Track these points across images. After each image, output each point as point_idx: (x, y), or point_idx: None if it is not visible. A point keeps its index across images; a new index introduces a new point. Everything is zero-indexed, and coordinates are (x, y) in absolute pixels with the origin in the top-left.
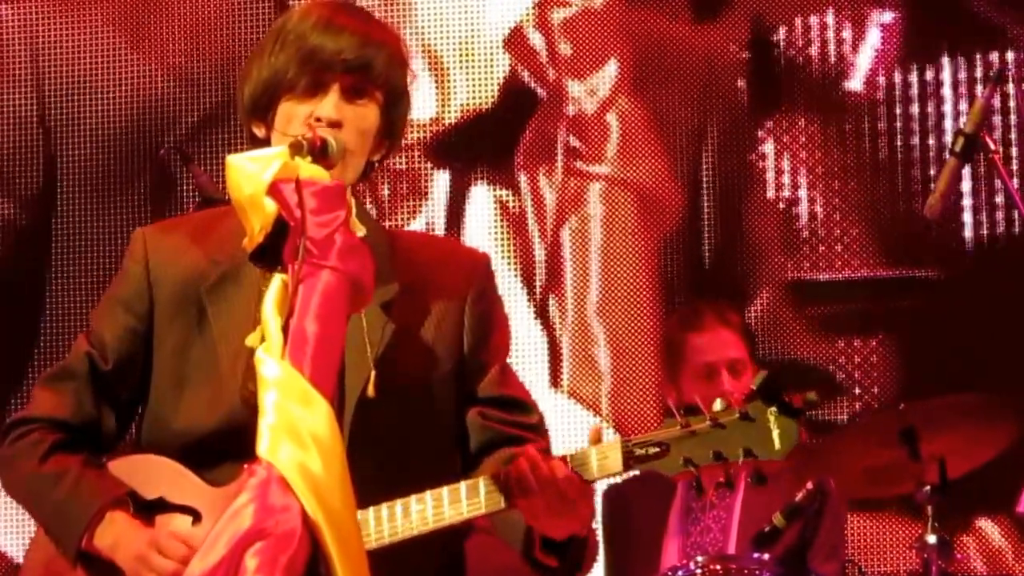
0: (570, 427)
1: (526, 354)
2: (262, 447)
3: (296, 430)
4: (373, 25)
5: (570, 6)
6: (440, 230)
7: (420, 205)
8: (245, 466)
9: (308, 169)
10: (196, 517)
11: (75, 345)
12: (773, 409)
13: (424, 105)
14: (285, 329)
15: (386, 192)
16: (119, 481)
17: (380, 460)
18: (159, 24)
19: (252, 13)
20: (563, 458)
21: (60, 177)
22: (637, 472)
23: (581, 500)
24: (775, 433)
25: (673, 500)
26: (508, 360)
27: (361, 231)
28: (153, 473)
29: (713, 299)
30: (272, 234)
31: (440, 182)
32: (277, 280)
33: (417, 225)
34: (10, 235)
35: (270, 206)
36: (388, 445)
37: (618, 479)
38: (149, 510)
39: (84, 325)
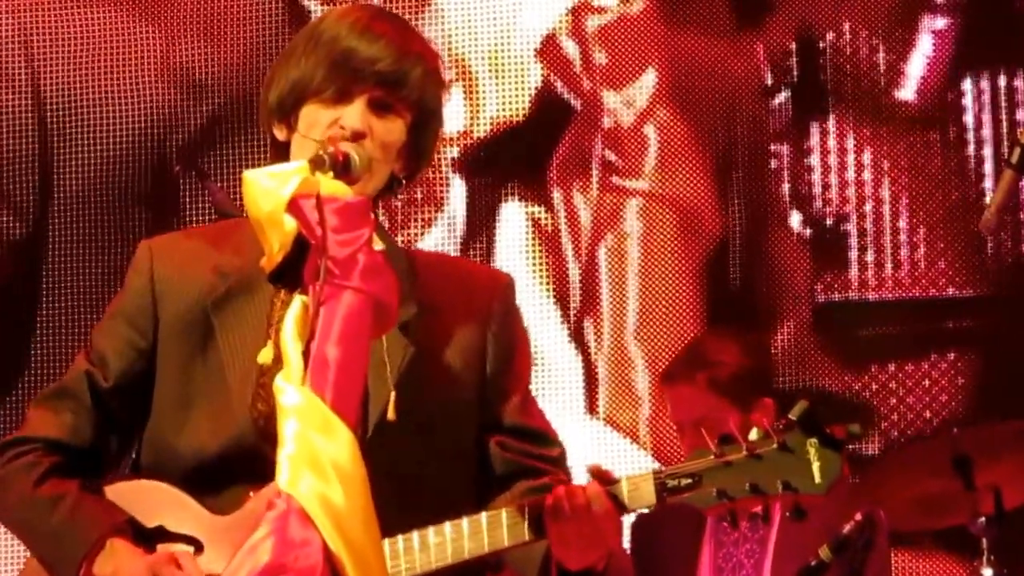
0: (606, 455)
1: (560, 379)
2: (281, 478)
3: (317, 460)
4: (412, 37)
5: (606, 13)
6: (458, 242)
7: (436, 215)
8: (251, 492)
9: (329, 185)
10: (198, 547)
11: (74, 363)
12: (814, 440)
13: (453, 117)
14: (305, 354)
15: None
16: (118, 507)
17: (396, 487)
18: (163, 27)
19: (262, 16)
20: (603, 489)
21: (57, 186)
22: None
23: (612, 531)
24: (815, 466)
25: (704, 532)
26: (531, 387)
27: (379, 246)
28: (152, 500)
29: (724, 328)
30: (292, 253)
31: (457, 192)
32: (297, 302)
33: (433, 237)
34: (2, 245)
35: (289, 224)
36: (405, 472)
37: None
38: (148, 539)
39: (78, 341)
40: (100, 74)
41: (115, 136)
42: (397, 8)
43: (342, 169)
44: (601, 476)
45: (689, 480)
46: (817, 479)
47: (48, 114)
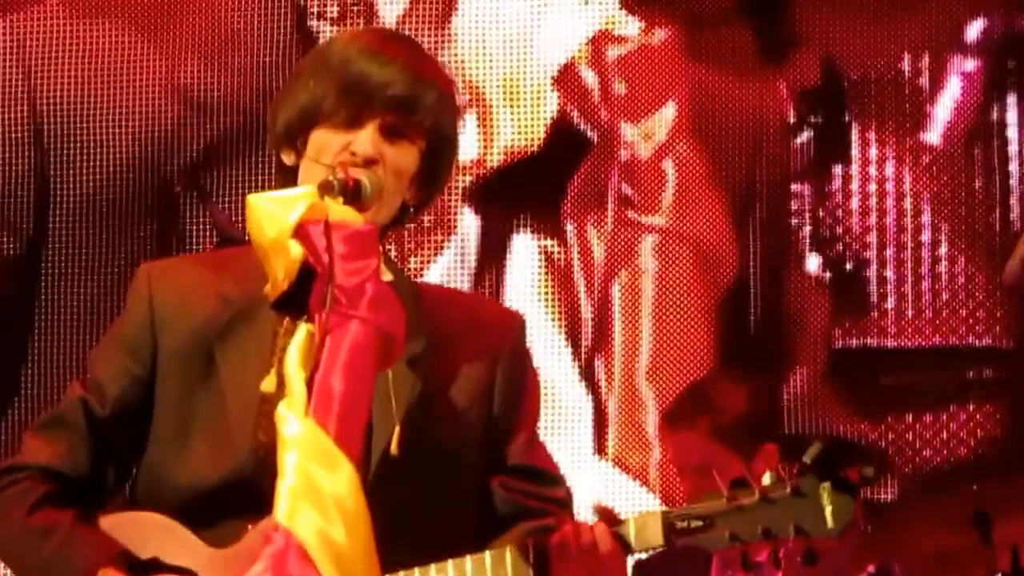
0: (615, 498)
1: (569, 418)
2: (280, 512)
3: (318, 494)
4: (425, 61)
5: (626, 43)
6: (468, 274)
7: (446, 246)
8: (249, 525)
9: (339, 211)
10: None
11: (68, 390)
12: (827, 484)
13: (466, 145)
14: (309, 384)
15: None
16: (112, 539)
17: (398, 523)
18: (167, 42)
19: (268, 37)
20: (609, 529)
21: (54, 205)
22: None
23: (617, 572)
24: (828, 510)
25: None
26: (538, 428)
27: (387, 277)
28: (147, 531)
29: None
30: (297, 281)
31: (468, 222)
32: (302, 331)
33: (441, 267)
34: None
35: (295, 250)
36: (407, 508)
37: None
38: (143, 571)
39: (74, 363)
40: (100, 92)
41: (115, 155)
42: (410, 30)
43: (352, 195)
44: (606, 516)
45: (700, 522)
46: (830, 523)
47: (46, 131)
